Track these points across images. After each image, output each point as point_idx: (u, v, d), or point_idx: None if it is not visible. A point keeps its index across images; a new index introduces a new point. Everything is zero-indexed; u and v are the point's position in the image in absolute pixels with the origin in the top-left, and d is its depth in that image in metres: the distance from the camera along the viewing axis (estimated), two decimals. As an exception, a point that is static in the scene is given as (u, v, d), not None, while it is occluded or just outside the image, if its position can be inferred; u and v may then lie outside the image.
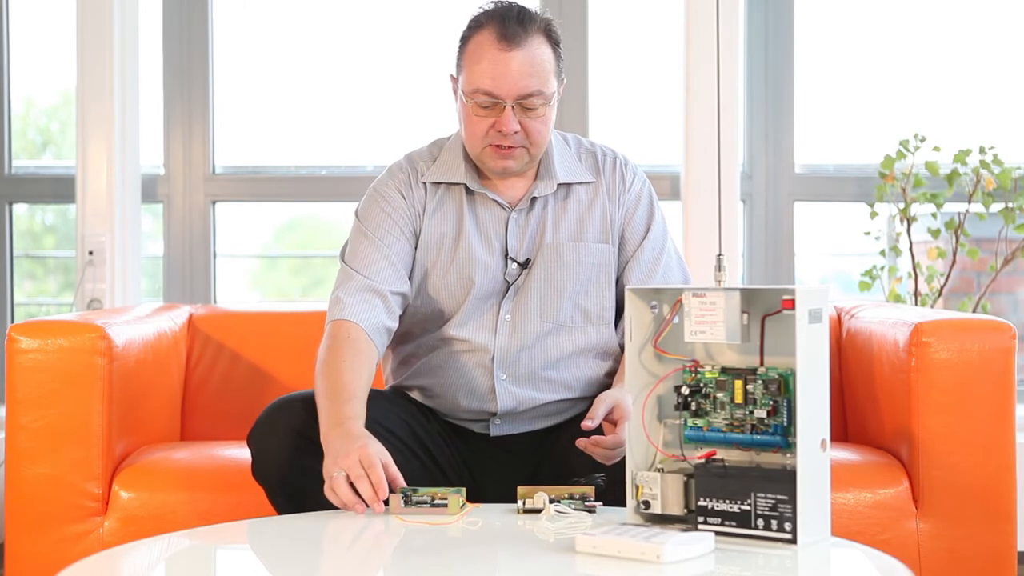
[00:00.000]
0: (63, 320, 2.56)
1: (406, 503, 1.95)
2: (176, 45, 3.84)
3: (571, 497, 1.98)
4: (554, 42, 2.32)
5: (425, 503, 1.95)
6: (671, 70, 3.77)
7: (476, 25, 2.31)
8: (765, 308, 1.82)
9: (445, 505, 1.95)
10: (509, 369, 2.36)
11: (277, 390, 2.91)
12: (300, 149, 3.96)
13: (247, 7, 3.97)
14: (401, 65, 3.92)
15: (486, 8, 2.32)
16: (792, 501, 1.74)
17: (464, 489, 2.00)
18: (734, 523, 1.78)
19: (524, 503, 1.97)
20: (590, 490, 2.00)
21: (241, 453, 2.60)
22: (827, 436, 1.79)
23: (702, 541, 1.72)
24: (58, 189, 3.87)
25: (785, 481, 1.75)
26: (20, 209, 4.01)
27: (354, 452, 1.98)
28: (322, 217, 4.22)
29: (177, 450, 2.66)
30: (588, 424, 2.08)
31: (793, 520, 1.74)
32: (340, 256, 2.40)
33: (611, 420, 2.11)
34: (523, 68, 2.26)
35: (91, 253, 3.65)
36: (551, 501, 1.96)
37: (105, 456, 2.50)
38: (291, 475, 2.15)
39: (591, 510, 1.95)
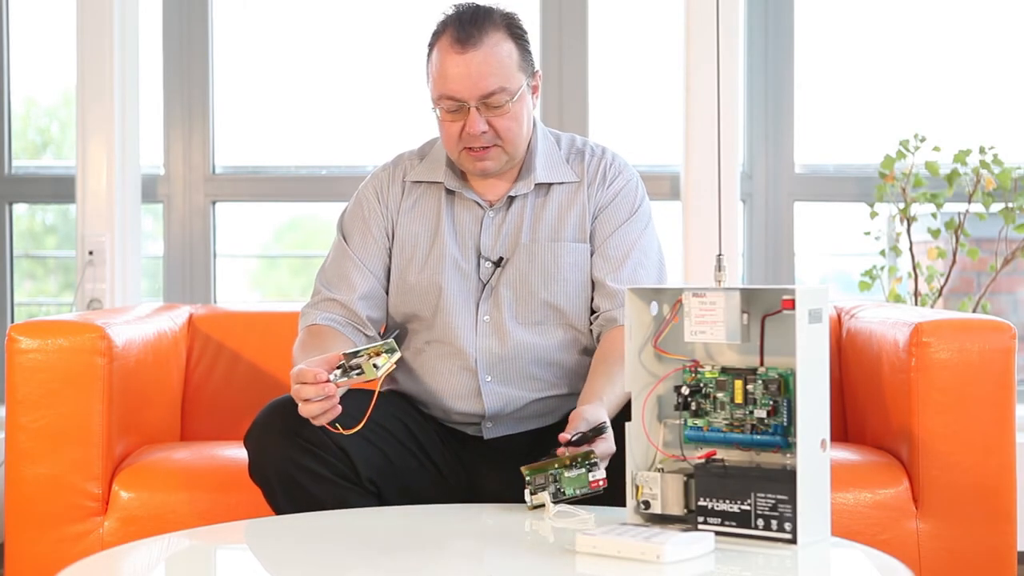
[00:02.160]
0: (63, 320, 2.56)
1: (343, 373, 2.04)
2: (176, 45, 3.85)
3: (574, 462, 1.96)
4: (516, 36, 2.31)
5: (357, 370, 2.03)
6: (671, 70, 3.77)
7: (436, 33, 2.33)
8: (765, 308, 1.82)
9: (362, 373, 2.02)
10: (494, 370, 2.35)
11: (277, 390, 2.91)
12: (300, 149, 3.96)
13: (247, 7, 3.97)
14: (401, 65, 3.92)
15: (445, 14, 2.33)
16: (792, 501, 1.74)
17: (392, 342, 2.04)
18: (734, 523, 1.78)
19: (531, 500, 1.96)
20: (594, 448, 1.97)
21: (241, 453, 2.59)
22: (827, 436, 1.79)
23: (702, 541, 1.72)
24: (58, 189, 3.87)
25: (785, 481, 1.75)
26: (20, 209, 4.01)
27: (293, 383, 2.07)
28: (322, 217, 4.22)
29: (177, 450, 2.66)
30: (565, 436, 2.05)
31: (793, 520, 1.74)
32: (318, 271, 2.44)
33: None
34: (481, 68, 2.26)
35: (91, 253, 3.65)
36: (554, 473, 1.95)
37: (105, 456, 2.50)
38: (289, 475, 2.15)
39: (596, 490, 1.94)
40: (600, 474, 1.95)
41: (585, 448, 1.98)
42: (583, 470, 1.96)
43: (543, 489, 1.95)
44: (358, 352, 2.05)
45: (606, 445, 2.02)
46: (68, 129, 4.02)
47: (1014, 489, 2.47)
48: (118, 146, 3.66)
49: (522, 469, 1.98)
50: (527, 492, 1.96)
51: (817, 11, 3.88)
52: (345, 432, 2.08)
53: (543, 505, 1.95)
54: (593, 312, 2.37)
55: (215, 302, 3.86)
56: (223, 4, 3.90)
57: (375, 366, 2.01)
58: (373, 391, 2.30)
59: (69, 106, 3.96)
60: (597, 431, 2.01)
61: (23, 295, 4.04)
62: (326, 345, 2.25)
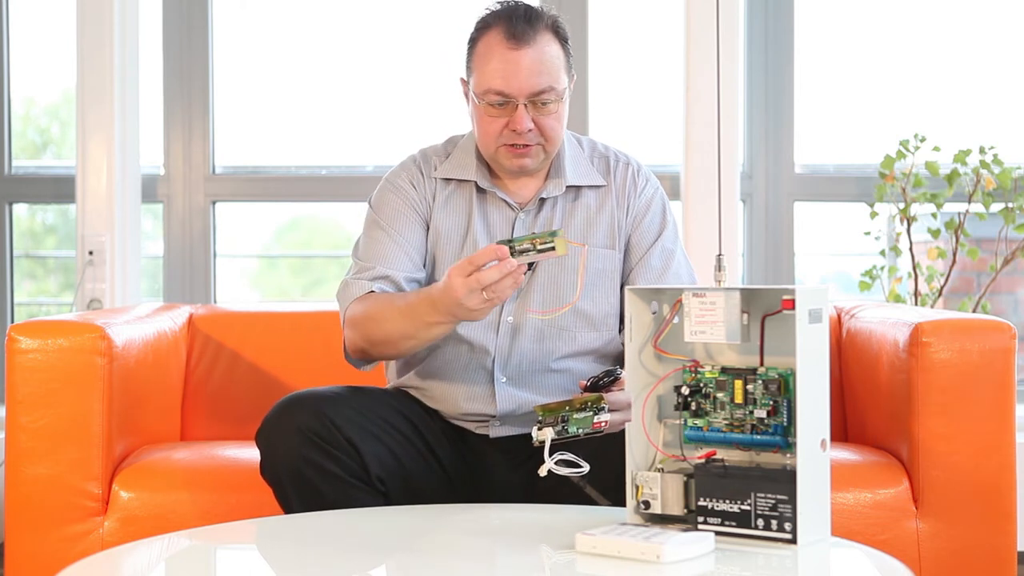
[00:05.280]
0: (63, 320, 2.56)
1: (514, 254, 2.01)
2: (176, 45, 3.85)
3: (584, 405, 1.96)
4: (562, 39, 2.32)
5: (530, 251, 2.01)
6: (671, 70, 3.77)
7: (484, 26, 2.31)
8: (765, 308, 1.82)
9: (552, 248, 2.00)
10: (509, 371, 2.35)
11: (277, 390, 2.91)
12: (300, 149, 3.96)
13: (247, 7, 3.97)
14: (401, 65, 3.92)
15: (492, 9, 2.33)
16: (792, 501, 1.74)
17: (556, 230, 2.03)
18: (734, 523, 1.78)
19: (536, 437, 1.95)
20: (610, 395, 1.99)
21: (241, 453, 2.60)
22: (827, 436, 1.79)
23: (702, 541, 1.72)
24: (58, 189, 3.87)
25: (785, 481, 1.75)
26: (20, 209, 4.01)
27: (457, 292, 2.04)
28: (322, 217, 4.22)
29: (177, 450, 2.66)
30: (583, 383, 2.06)
31: (793, 520, 1.74)
32: (352, 252, 2.41)
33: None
34: (533, 66, 2.26)
35: (91, 253, 3.65)
36: (564, 414, 1.96)
37: (105, 456, 2.50)
38: (300, 472, 2.15)
39: (598, 430, 1.94)
40: (605, 416, 1.95)
41: (598, 394, 1.99)
42: (590, 413, 1.96)
43: (550, 427, 1.96)
44: (514, 241, 2.02)
45: (624, 395, 2.01)
46: (68, 129, 4.02)
47: (1014, 489, 2.47)
48: (118, 146, 3.66)
49: (535, 408, 1.99)
50: (534, 429, 1.96)
51: (817, 11, 3.88)
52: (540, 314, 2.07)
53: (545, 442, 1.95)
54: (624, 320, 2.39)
55: (215, 302, 3.86)
56: (223, 4, 3.90)
57: (565, 241, 1.99)
58: (398, 408, 2.29)
59: (69, 106, 3.96)
60: (612, 378, 2.03)
61: (23, 295, 4.04)
62: (396, 298, 2.24)
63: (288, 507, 2.18)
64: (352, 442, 2.16)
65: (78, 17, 3.66)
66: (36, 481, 2.48)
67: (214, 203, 3.87)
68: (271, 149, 3.97)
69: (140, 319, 2.80)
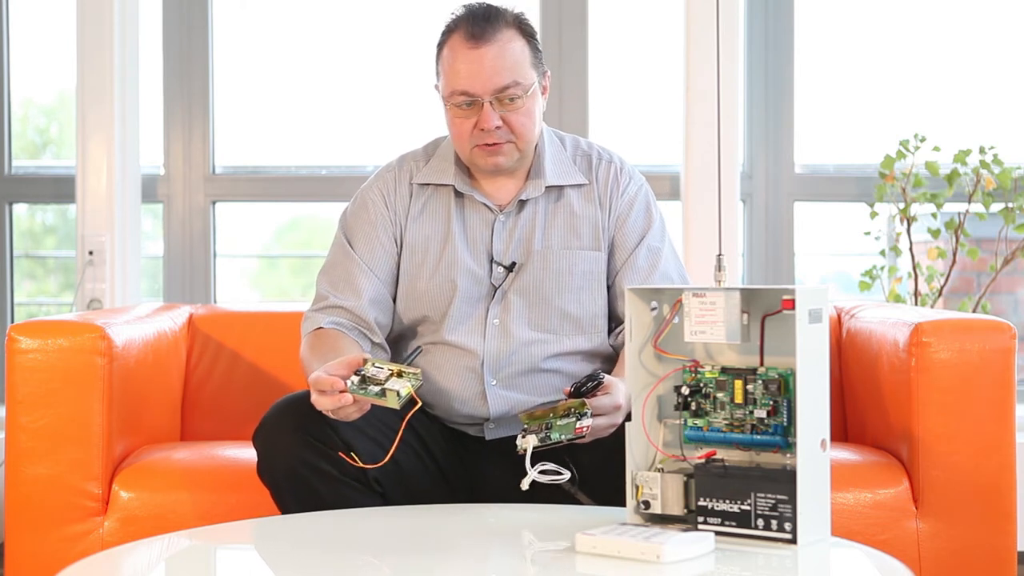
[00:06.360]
0: (63, 320, 2.56)
1: (362, 382, 2.00)
2: (176, 45, 3.85)
3: (568, 412, 1.98)
4: (527, 34, 2.32)
5: (378, 387, 1.99)
6: (671, 70, 3.77)
7: (447, 31, 2.34)
8: (765, 308, 1.82)
9: (383, 396, 1.98)
10: (499, 373, 2.35)
11: (277, 390, 2.91)
12: (300, 149, 3.96)
13: (247, 7, 3.97)
14: (401, 65, 3.92)
15: (455, 14, 2.34)
16: (792, 501, 1.74)
17: (420, 371, 2.00)
18: (734, 523, 1.78)
19: (520, 445, 1.97)
20: (594, 400, 2.01)
21: (241, 453, 2.60)
22: (827, 436, 1.79)
23: (702, 541, 1.72)
24: (58, 189, 3.87)
25: (785, 481, 1.75)
26: (20, 209, 4.02)
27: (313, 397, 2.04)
28: (322, 217, 4.22)
29: (177, 450, 2.66)
30: (568, 389, 2.06)
31: (793, 520, 1.74)
32: (319, 273, 2.42)
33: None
34: (495, 63, 2.27)
35: (91, 253, 3.65)
36: (548, 421, 1.97)
37: (105, 456, 2.50)
38: (297, 474, 2.15)
39: (580, 435, 1.96)
40: (587, 422, 1.98)
41: (581, 400, 2.01)
42: (573, 419, 1.98)
43: (533, 434, 1.97)
44: (380, 364, 2.02)
45: (609, 399, 2.03)
46: (68, 129, 4.02)
47: (1014, 489, 2.47)
48: (118, 146, 3.67)
49: (519, 415, 2.01)
50: (519, 437, 1.98)
51: (817, 11, 3.88)
52: (364, 466, 2.08)
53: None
54: (613, 320, 2.39)
55: (215, 302, 3.86)
56: (223, 4, 3.90)
57: (398, 394, 1.97)
58: (392, 411, 2.29)
59: (65, 106, 3.96)
60: (595, 383, 2.04)
61: (23, 295, 4.04)
62: (339, 346, 2.24)
63: (285, 508, 2.18)
64: (349, 443, 2.16)
65: (78, 17, 3.66)
66: (36, 481, 2.48)
67: (214, 203, 3.87)
68: (271, 149, 3.97)
69: (140, 319, 2.80)
